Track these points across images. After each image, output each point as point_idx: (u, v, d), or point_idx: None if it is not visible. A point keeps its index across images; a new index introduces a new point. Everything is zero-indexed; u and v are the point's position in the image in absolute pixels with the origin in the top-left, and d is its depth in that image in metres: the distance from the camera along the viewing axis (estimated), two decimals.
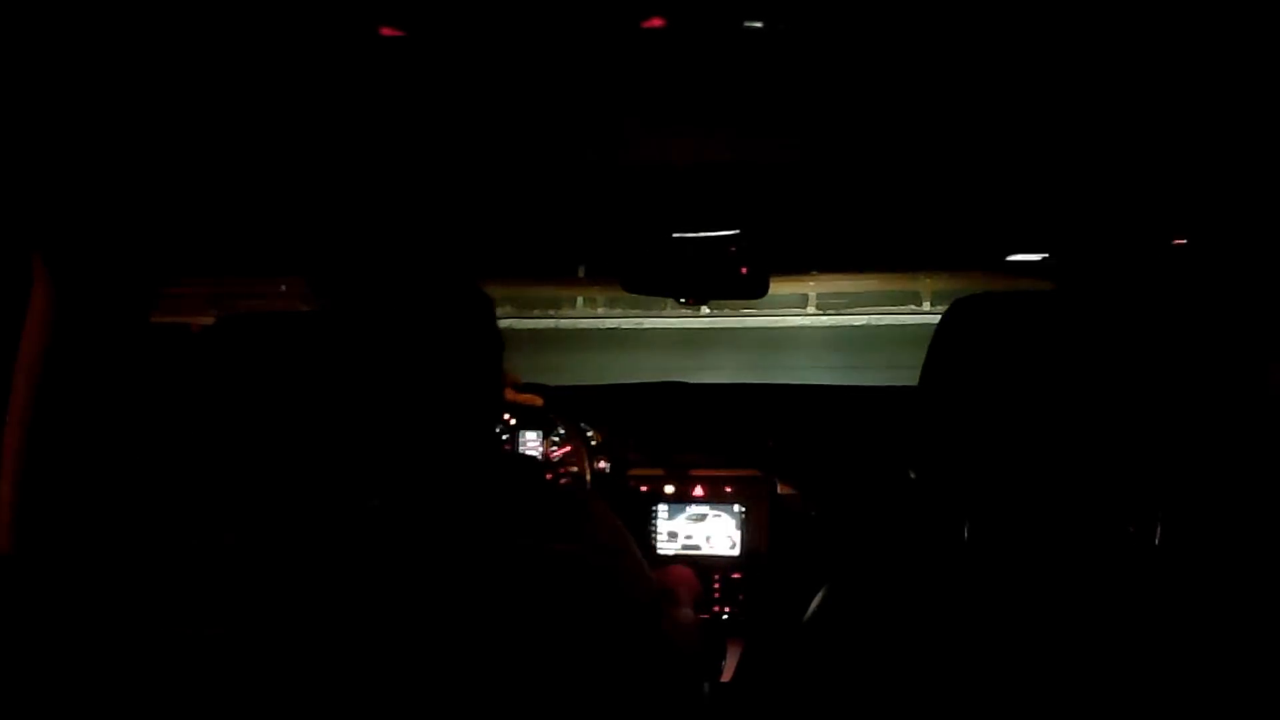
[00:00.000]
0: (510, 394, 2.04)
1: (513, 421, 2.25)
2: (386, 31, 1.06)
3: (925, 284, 12.69)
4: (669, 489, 2.23)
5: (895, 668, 0.89)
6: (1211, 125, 1.27)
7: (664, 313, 13.26)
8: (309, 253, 1.96)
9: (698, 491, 2.22)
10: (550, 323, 13.22)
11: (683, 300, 2.03)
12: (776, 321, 12.92)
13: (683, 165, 1.53)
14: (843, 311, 13.20)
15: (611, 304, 13.68)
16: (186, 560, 1.36)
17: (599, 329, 13.06)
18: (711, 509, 2.20)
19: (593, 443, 2.21)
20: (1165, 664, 0.85)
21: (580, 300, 13.84)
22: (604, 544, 1.20)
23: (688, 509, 2.21)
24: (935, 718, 0.87)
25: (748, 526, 2.17)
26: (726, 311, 12.99)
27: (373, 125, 1.34)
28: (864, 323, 12.80)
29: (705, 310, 12.35)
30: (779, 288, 12.26)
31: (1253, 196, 1.35)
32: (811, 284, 12.97)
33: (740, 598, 2.13)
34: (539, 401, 2.13)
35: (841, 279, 12.70)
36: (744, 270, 1.89)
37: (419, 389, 1.16)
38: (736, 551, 2.17)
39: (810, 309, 13.34)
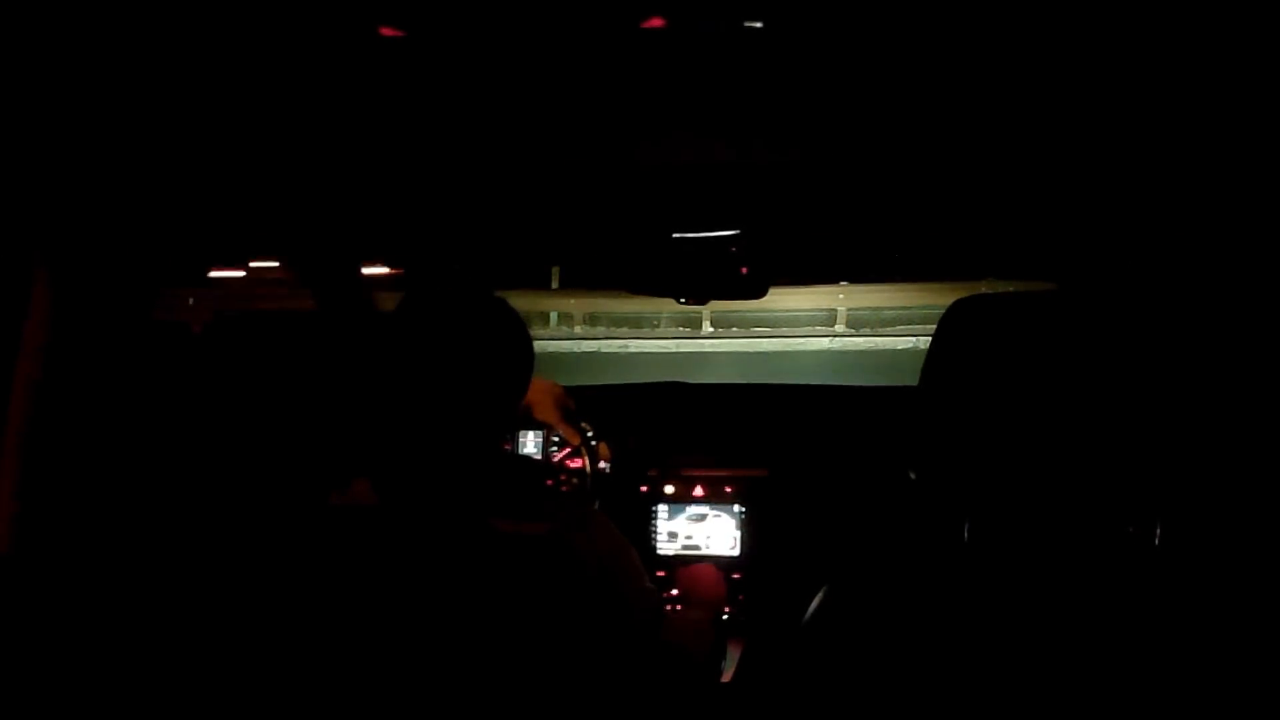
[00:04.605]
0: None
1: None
2: (386, 31, 1.07)
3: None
4: (669, 489, 2.23)
5: (895, 668, 0.89)
6: (1212, 125, 1.27)
7: (654, 332, 11.08)
8: (304, 251, 1.96)
9: (698, 491, 2.22)
10: None
11: (683, 300, 2.03)
12: (796, 344, 10.61)
13: (683, 165, 1.53)
14: (880, 331, 10.67)
15: (591, 322, 11.36)
16: (186, 560, 1.36)
17: (575, 353, 10.49)
18: (711, 509, 2.20)
19: (593, 443, 2.21)
20: (1165, 664, 0.85)
21: (554, 317, 11.30)
22: (602, 546, 1.20)
23: (688, 509, 2.21)
24: (935, 718, 0.87)
25: (748, 526, 2.17)
26: (734, 330, 10.89)
27: (369, 124, 1.34)
28: (910, 346, 10.02)
29: (707, 328, 10.83)
30: (798, 301, 10.69)
31: (1252, 199, 1.35)
32: (840, 296, 10.80)
33: (740, 598, 2.12)
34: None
35: (877, 290, 10.59)
36: (744, 270, 1.89)
37: (436, 397, 1.16)
38: (736, 551, 2.17)
39: (839, 326, 10.95)
